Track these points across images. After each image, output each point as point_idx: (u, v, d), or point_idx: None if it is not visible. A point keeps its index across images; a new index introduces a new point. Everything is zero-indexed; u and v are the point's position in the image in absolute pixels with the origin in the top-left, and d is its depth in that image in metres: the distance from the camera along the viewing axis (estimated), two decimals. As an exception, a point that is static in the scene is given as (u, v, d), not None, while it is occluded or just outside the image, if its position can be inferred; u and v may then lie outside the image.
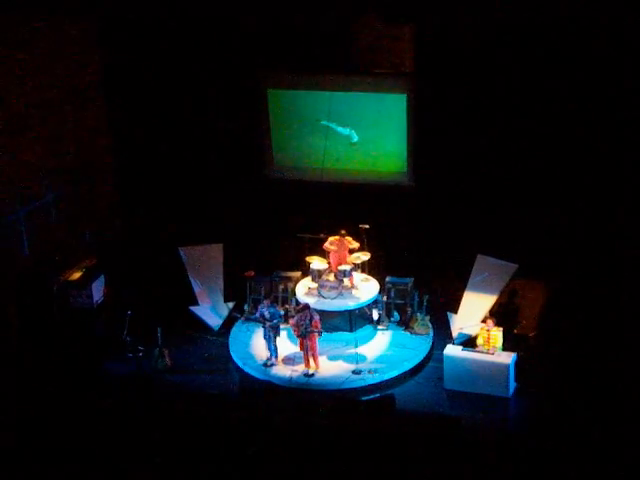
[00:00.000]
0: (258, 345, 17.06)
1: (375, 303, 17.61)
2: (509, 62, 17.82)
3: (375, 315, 17.74)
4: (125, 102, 20.06)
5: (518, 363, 15.66)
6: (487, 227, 18.52)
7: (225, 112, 19.79)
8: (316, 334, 16.11)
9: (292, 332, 16.43)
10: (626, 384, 15.06)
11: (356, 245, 17.62)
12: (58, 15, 18.10)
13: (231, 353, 17.17)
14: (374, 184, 19.73)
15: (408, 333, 17.43)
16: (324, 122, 19.62)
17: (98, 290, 18.18)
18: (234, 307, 18.38)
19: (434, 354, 16.85)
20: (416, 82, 18.88)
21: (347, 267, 17.36)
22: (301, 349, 16.31)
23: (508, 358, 15.50)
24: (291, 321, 16.44)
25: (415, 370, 16.45)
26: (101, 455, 13.32)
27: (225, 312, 18.30)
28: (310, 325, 16.04)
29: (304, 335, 16.09)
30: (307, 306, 16.33)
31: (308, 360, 16.30)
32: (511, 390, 15.48)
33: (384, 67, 19.08)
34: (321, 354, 16.49)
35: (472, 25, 17.83)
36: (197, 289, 18.59)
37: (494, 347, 15.71)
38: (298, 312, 16.34)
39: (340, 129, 19.55)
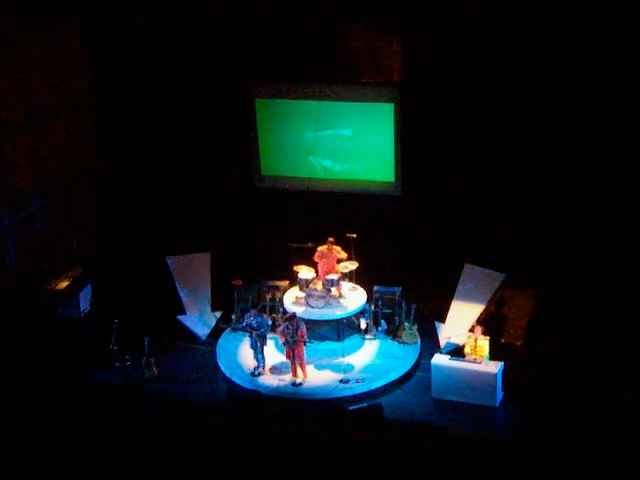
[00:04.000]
0: (246, 354, 17.03)
1: (363, 312, 17.61)
2: (498, 71, 17.87)
3: (363, 324, 17.75)
4: (113, 111, 20.05)
5: (505, 372, 15.68)
6: (475, 236, 18.55)
7: (213, 121, 19.79)
8: (302, 344, 16.10)
9: (279, 340, 16.42)
10: (614, 392, 15.08)
11: (344, 255, 17.64)
12: (48, 19, 18.09)
13: (218, 362, 17.14)
14: (362, 194, 19.75)
15: (396, 342, 17.44)
16: (310, 134, 19.61)
17: (85, 299, 18.14)
18: (222, 316, 18.35)
19: (422, 363, 16.86)
20: (404, 91, 18.92)
21: (335, 276, 17.37)
22: (287, 358, 16.29)
23: (495, 367, 15.53)
24: (278, 329, 16.42)
25: (403, 379, 16.45)
26: (88, 464, 13.27)
27: (213, 321, 18.27)
28: (296, 334, 16.02)
29: (290, 344, 16.08)
30: (294, 315, 16.32)
31: (295, 369, 16.28)
32: (498, 399, 15.50)
33: (372, 76, 19.11)
34: (308, 363, 16.47)
35: (460, 34, 17.89)
36: (184, 298, 18.57)
37: (481, 356, 15.74)
38: (284, 321, 16.33)
39: (328, 132, 19.53)
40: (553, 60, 17.43)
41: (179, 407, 15.36)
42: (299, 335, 16.03)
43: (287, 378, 16.30)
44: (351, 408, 15.32)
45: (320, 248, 17.66)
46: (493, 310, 17.66)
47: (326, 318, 17.14)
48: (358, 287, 17.91)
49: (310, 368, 16.49)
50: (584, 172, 17.74)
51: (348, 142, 19.52)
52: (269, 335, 16.77)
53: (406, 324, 17.37)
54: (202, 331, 18.12)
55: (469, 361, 15.72)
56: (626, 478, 12.86)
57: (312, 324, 16.84)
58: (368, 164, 19.60)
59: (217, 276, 18.74)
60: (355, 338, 17.55)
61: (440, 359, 15.96)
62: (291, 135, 19.88)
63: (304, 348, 16.19)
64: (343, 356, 16.61)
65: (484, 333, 15.94)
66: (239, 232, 19.89)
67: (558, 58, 17.36)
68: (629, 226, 17.47)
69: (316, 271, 17.66)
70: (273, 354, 17.00)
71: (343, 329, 17.31)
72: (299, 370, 16.29)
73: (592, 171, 17.68)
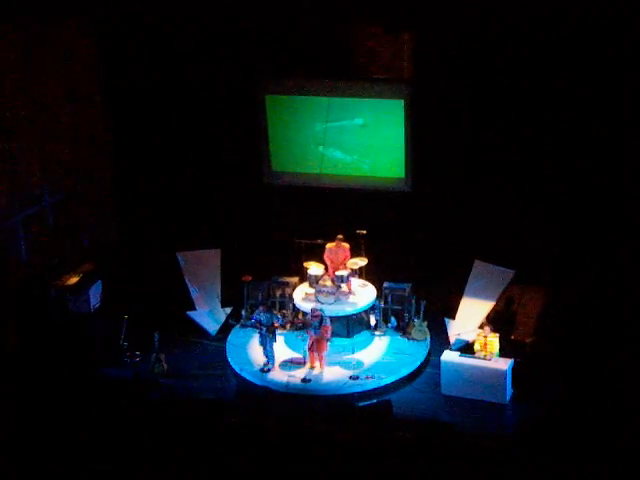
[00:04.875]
0: (255, 350, 17.05)
1: (372, 309, 17.62)
2: (508, 68, 17.86)
3: (372, 321, 17.75)
4: (123, 106, 20.10)
5: (515, 369, 15.66)
6: (485, 233, 18.54)
7: (223, 117, 19.82)
8: (324, 338, 16.18)
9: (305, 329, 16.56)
10: (624, 390, 15.05)
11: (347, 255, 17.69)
12: (58, 17, 18.13)
13: (228, 358, 17.17)
14: (372, 190, 19.75)
15: (405, 339, 17.43)
16: (321, 126, 19.65)
17: (95, 295, 18.19)
18: (231, 312, 18.37)
19: (431, 360, 16.85)
20: (414, 88, 18.92)
21: (344, 272, 17.37)
22: (310, 347, 16.35)
23: (505, 364, 15.51)
24: (306, 317, 16.54)
25: (412, 376, 16.44)
26: (97, 459, 13.31)
27: (222, 317, 18.29)
28: (319, 327, 16.09)
29: (314, 332, 16.16)
30: (320, 313, 16.35)
31: (313, 359, 16.34)
32: (508, 396, 15.49)
33: (382, 73, 19.11)
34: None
35: (470, 31, 17.88)
36: (194, 294, 18.59)
37: (491, 353, 15.72)
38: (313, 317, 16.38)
39: (339, 122, 19.54)
40: (564, 57, 17.40)
41: (188, 403, 15.40)
42: (322, 330, 16.09)
43: (297, 374, 16.31)
44: (360, 404, 15.37)
45: (329, 245, 17.68)
46: (503, 307, 17.63)
47: (336, 314, 17.12)
48: (368, 283, 17.91)
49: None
50: (597, 169, 17.70)
51: (359, 132, 19.52)
52: (278, 331, 16.78)
53: (416, 320, 17.36)
54: (212, 327, 18.14)
55: (479, 358, 15.71)
56: (636, 475, 12.84)
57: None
58: (378, 157, 19.62)
59: (227, 272, 18.75)
60: (365, 334, 17.56)
61: (450, 356, 15.95)
62: (302, 130, 19.91)
63: (327, 343, 16.25)
64: (353, 352, 16.61)
65: (494, 330, 15.93)
66: (249, 228, 19.91)
67: (569, 55, 17.34)
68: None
69: (326, 267, 17.67)
70: (283, 350, 17.03)
71: (353, 325, 17.31)
72: (316, 361, 16.36)
73: (606, 168, 17.64)
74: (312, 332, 16.21)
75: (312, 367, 16.34)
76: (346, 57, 18.99)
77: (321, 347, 16.27)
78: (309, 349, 16.33)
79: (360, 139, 19.61)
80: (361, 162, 19.77)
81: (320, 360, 16.38)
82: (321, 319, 16.15)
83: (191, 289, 18.63)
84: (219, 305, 18.49)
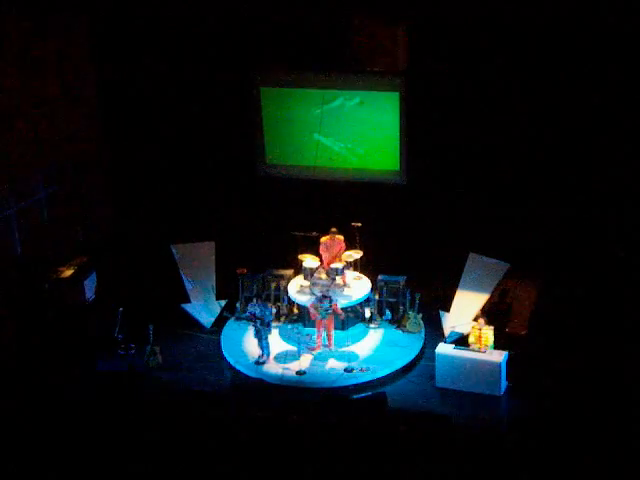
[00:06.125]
0: (250, 343, 17.05)
1: (367, 301, 17.63)
2: (503, 61, 17.88)
3: (367, 313, 17.76)
4: (117, 100, 20.07)
5: (509, 362, 15.69)
6: (480, 226, 18.56)
7: (218, 110, 19.80)
8: (333, 315, 16.38)
9: (310, 313, 16.62)
10: (618, 382, 15.09)
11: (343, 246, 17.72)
12: (53, 15, 18.11)
13: (223, 351, 17.17)
14: (367, 183, 19.76)
15: (400, 331, 17.44)
16: (317, 111, 19.65)
17: (90, 288, 18.18)
18: (226, 305, 18.37)
19: (426, 352, 16.86)
20: (409, 80, 18.91)
21: (339, 265, 17.38)
22: (318, 328, 16.52)
23: (500, 357, 15.53)
24: (310, 304, 16.58)
25: (407, 368, 16.45)
26: (92, 452, 13.31)
27: (217, 310, 18.29)
28: (330, 307, 16.23)
29: (324, 316, 16.32)
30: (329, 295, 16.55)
31: (320, 340, 16.56)
32: (502, 389, 15.51)
33: (377, 65, 19.11)
34: (311, 352, 16.59)
35: (466, 24, 17.88)
36: (189, 287, 18.59)
37: (486, 346, 15.75)
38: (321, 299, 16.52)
39: (336, 103, 19.54)
40: (560, 52, 17.42)
41: (183, 395, 15.39)
42: (333, 307, 16.25)
43: (291, 367, 16.32)
44: (355, 397, 15.38)
45: (323, 239, 17.68)
46: (498, 299, 17.66)
47: (330, 307, 17.16)
48: (362, 276, 17.92)
49: (313, 357, 16.56)
50: (592, 162, 17.73)
51: (355, 119, 19.57)
52: (273, 324, 16.79)
53: (410, 313, 17.37)
54: (206, 319, 18.14)
55: (473, 350, 15.73)
56: (630, 465, 12.87)
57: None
58: (373, 148, 19.64)
59: (222, 265, 18.75)
60: (359, 327, 17.56)
61: (444, 348, 15.96)
62: (297, 121, 19.92)
63: (333, 319, 16.49)
64: (347, 345, 16.62)
65: (488, 322, 15.96)
66: (244, 220, 19.91)
67: (562, 47, 17.37)
68: (633, 216, 17.46)
69: (320, 260, 17.68)
70: (277, 343, 17.03)
71: (347, 318, 17.31)
72: (324, 340, 16.59)
73: (600, 162, 17.67)
74: (320, 316, 16.32)
75: (318, 348, 16.54)
76: (342, 49, 18.96)
77: (330, 324, 16.48)
78: (319, 329, 16.52)
79: (355, 127, 19.62)
80: (355, 151, 19.77)
81: (329, 339, 16.55)
82: (330, 300, 16.31)
83: (186, 282, 18.63)
84: (214, 298, 18.49)
